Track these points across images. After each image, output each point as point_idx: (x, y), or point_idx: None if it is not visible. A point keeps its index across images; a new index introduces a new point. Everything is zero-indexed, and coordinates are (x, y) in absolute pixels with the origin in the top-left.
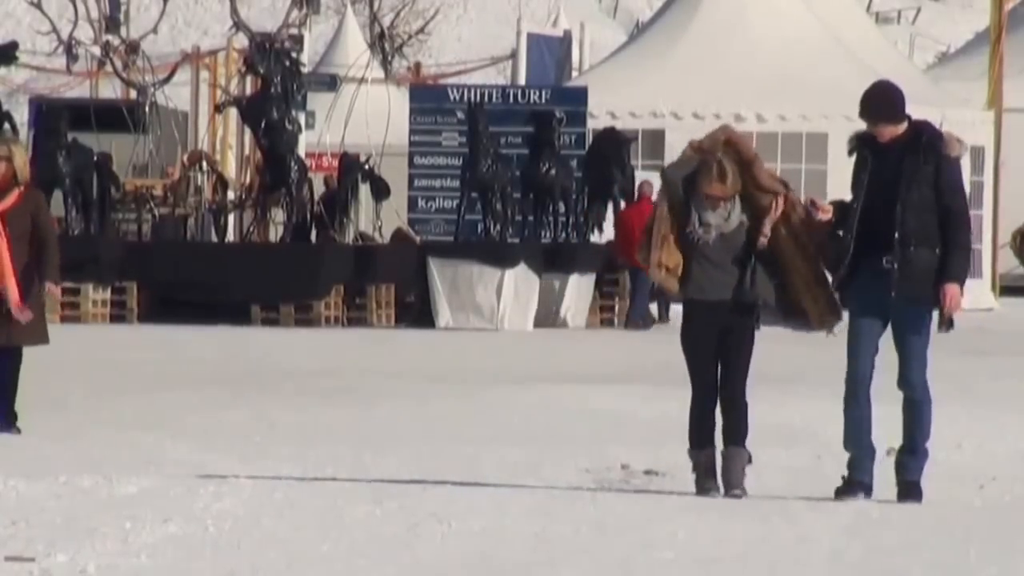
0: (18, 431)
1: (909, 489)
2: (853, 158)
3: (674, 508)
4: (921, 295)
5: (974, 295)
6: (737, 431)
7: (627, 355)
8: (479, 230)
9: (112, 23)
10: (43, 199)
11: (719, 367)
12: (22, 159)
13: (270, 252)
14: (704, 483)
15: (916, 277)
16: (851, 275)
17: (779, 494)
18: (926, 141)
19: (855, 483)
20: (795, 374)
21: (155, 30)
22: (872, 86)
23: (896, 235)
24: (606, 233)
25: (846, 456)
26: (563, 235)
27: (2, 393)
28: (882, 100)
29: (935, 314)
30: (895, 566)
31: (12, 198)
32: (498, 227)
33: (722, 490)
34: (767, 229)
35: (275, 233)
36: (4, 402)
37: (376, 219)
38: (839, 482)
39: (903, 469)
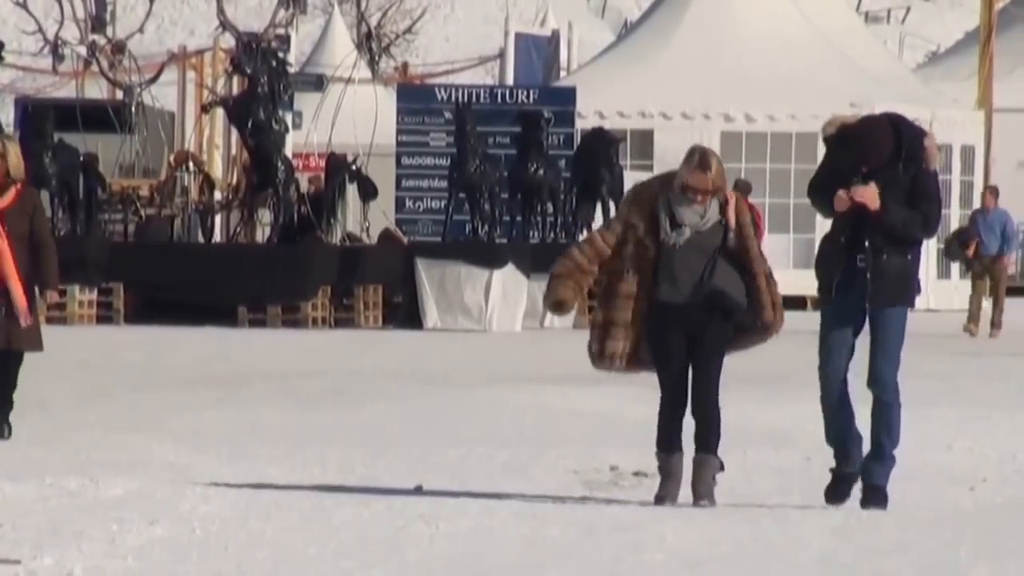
0: (8, 436)
1: (875, 494)
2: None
3: (663, 510)
4: (895, 297)
5: (964, 295)
6: (708, 438)
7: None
8: (467, 230)
9: (98, 23)
10: (39, 199)
11: (690, 372)
12: (16, 156)
13: (257, 253)
14: (668, 489)
15: (889, 283)
16: (823, 277)
17: (769, 495)
18: (907, 155)
19: (841, 478)
20: (784, 375)
21: (141, 30)
22: (864, 129)
23: (867, 243)
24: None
25: (830, 451)
26: (551, 235)
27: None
28: (872, 149)
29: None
30: (885, 568)
31: (9, 197)
32: (486, 227)
33: (671, 500)
34: (733, 222)
35: (262, 234)
36: (2, 409)
37: (363, 220)
38: (827, 481)
39: (869, 474)
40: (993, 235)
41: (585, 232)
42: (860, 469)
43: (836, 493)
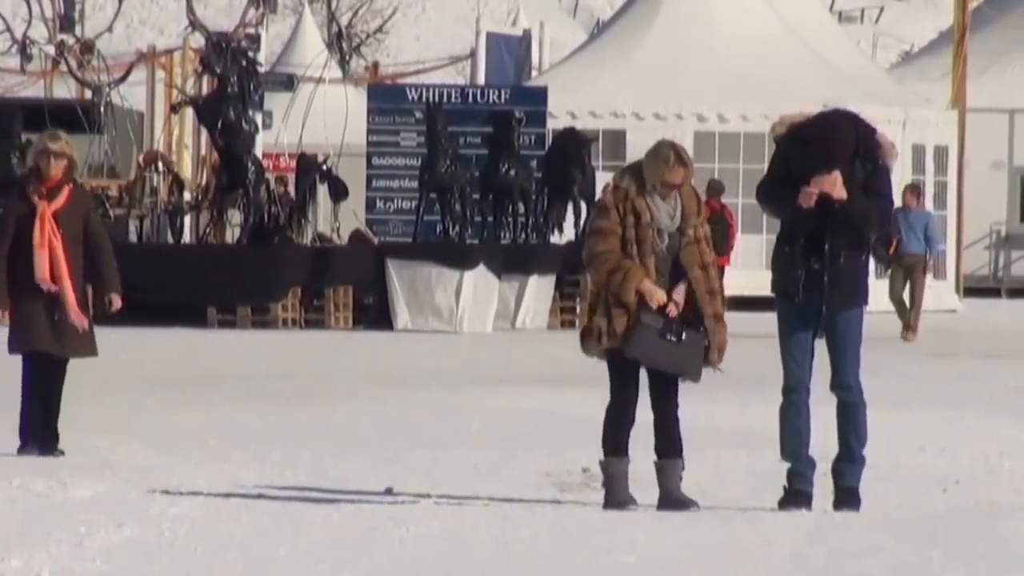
0: (61, 453)
1: (847, 496)
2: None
3: (635, 512)
4: (852, 299)
5: (938, 296)
6: (675, 444)
7: (588, 358)
8: (438, 231)
9: (67, 22)
10: (92, 199)
11: (651, 380)
12: (75, 158)
13: (227, 254)
14: (622, 495)
15: (845, 285)
16: (783, 280)
17: (742, 498)
18: (863, 153)
19: (795, 494)
20: (758, 377)
21: (110, 29)
22: (827, 128)
23: (826, 246)
24: (566, 234)
25: (785, 466)
26: (523, 236)
27: (44, 412)
28: (838, 148)
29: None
30: (857, 570)
31: (63, 197)
32: (457, 228)
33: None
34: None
35: (232, 234)
36: (47, 423)
37: (334, 220)
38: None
39: (840, 476)
40: (914, 235)
41: (556, 233)
42: (810, 491)
43: (789, 504)
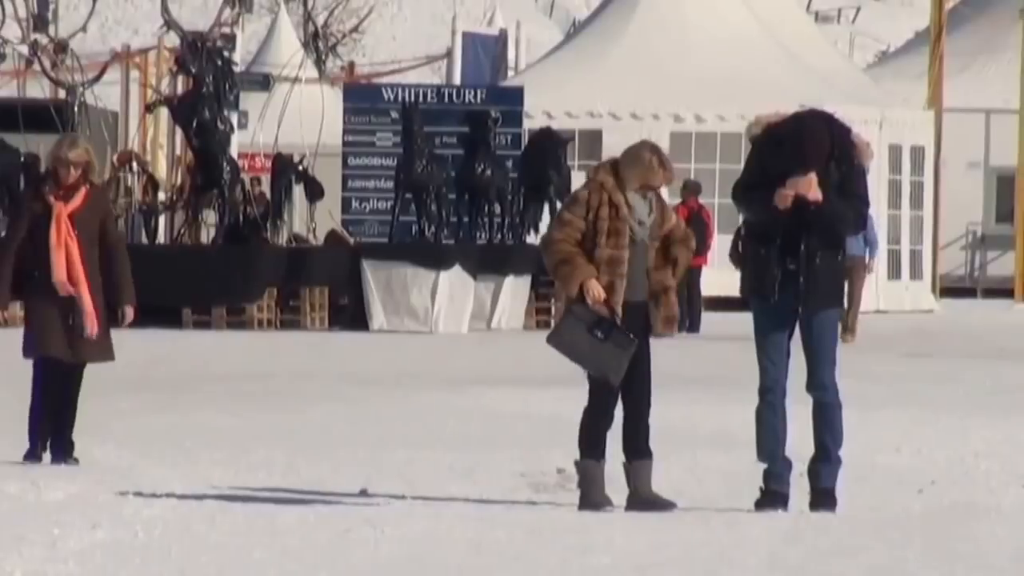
0: (75, 462)
1: (823, 497)
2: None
3: (611, 513)
4: (828, 300)
5: (914, 296)
6: (646, 444)
7: (563, 358)
8: (413, 231)
9: (40, 21)
10: (109, 202)
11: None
12: (95, 162)
13: (202, 254)
14: (598, 496)
15: (821, 285)
16: (759, 281)
17: (718, 498)
18: (838, 154)
19: (772, 494)
20: (734, 377)
21: (84, 29)
22: (803, 129)
23: (802, 246)
24: (542, 234)
25: (761, 467)
26: (498, 236)
27: (59, 419)
28: (814, 149)
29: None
30: (833, 570)
31: (79, 199)
32: (432, 228)
33: (610, 503)
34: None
35: (207, 235)
36: (61, 430)
37: (310, 220)
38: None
39: (816, 477)
40: (853, 238)
41: (532, 233)
42: (787, 492)
43: (766, 504)
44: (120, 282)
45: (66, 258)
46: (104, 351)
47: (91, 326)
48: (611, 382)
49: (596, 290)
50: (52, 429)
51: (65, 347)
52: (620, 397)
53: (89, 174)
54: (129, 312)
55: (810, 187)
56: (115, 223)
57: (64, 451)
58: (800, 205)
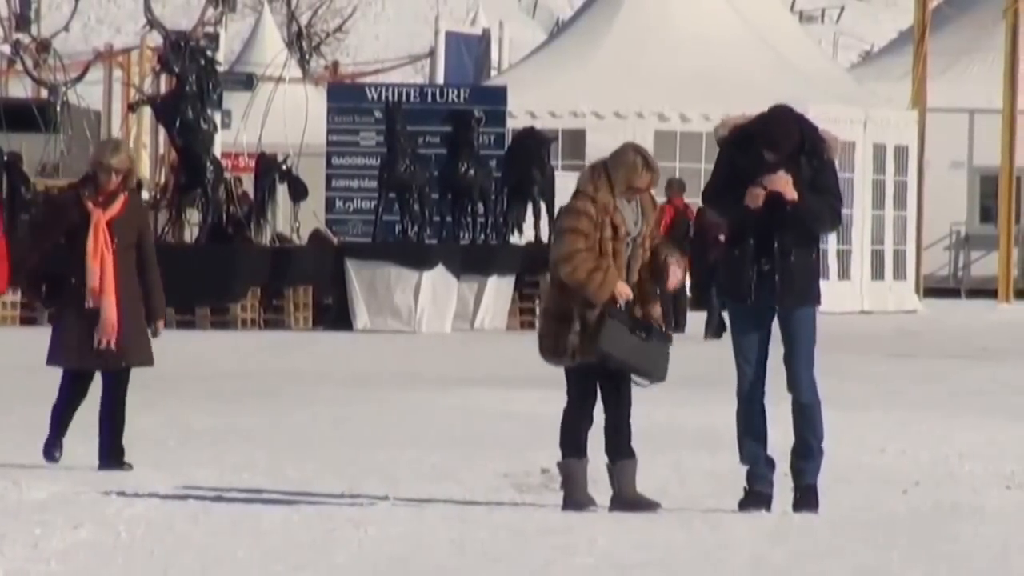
0: (129, 467)
1: (805, 495)
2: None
3: (594, 514)
4: (804, 298)
5: (898, 297)
6: (628, 444)
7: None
8: (397, 231)
9: (23, 21)
10: (147, 210)
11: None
12: (135, 167)
13: (185, 253)
14: (581, 496)
15: (797, 283)
16: (734, 283)
17: (702, 499)
18: (808, 148)
19: (755, 495)
20: (718, 377)
21: (67, 28)
22: (773, 122)
23: (776, 244)
24: (525, 234)
25: (744, 468)
26: (482, 236)
27: (106, 425)
28: (785, 140)
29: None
30: (817, 571)
31: (117, 206)
32: (416, 228)
33: (593, 503)
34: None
35: (190, 234)
36: (108, 438)
37: (294, 220)
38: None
39: (799, 474)
40: None
41: (516, 233)
42: (771, 491)
43: (749, 505)
44: (152, 297)
45: (100, 266)
46: (141, 354)
47: (106, 336)
48: (657, 380)
49: (629, 293)
50: (100, 438)
51: (82, 357)
52: (601, 398)
53: (129, 181)
54: (159, 327)
55: (786, 185)
56: (151, 236)
57: (112, 458)
58: (772, 203)
